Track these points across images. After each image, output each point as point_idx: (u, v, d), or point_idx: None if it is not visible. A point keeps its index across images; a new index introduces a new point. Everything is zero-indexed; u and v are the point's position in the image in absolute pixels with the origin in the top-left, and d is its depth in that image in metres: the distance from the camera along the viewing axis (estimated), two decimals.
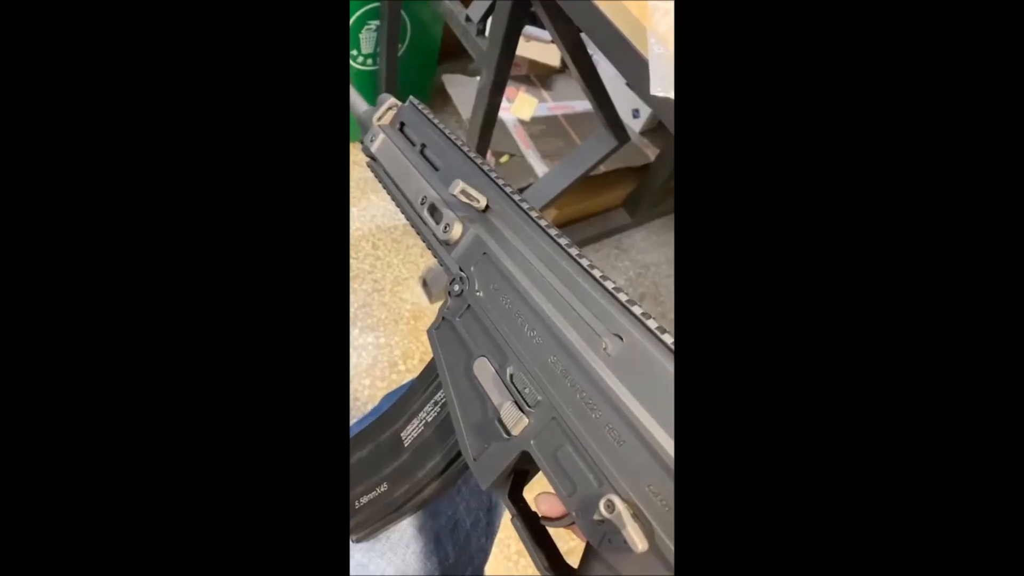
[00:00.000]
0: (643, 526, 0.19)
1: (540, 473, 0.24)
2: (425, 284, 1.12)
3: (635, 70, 0.52)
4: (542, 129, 1.20)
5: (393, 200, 0.35)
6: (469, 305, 0.28)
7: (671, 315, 1.22)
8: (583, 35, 0.73)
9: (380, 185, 0.36)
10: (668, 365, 0.20)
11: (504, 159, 1.18)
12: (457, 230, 0.30)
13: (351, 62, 1.13)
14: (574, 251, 0.25)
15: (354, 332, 1.06)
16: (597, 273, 0.24)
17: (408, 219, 0.34)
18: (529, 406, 0.24)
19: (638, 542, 0.19)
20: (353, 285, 1.12)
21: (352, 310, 1.09)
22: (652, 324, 0.21)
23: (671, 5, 0.47)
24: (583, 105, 1.25)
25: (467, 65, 1.44)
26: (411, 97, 0.36)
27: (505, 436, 0.25)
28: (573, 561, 0.24)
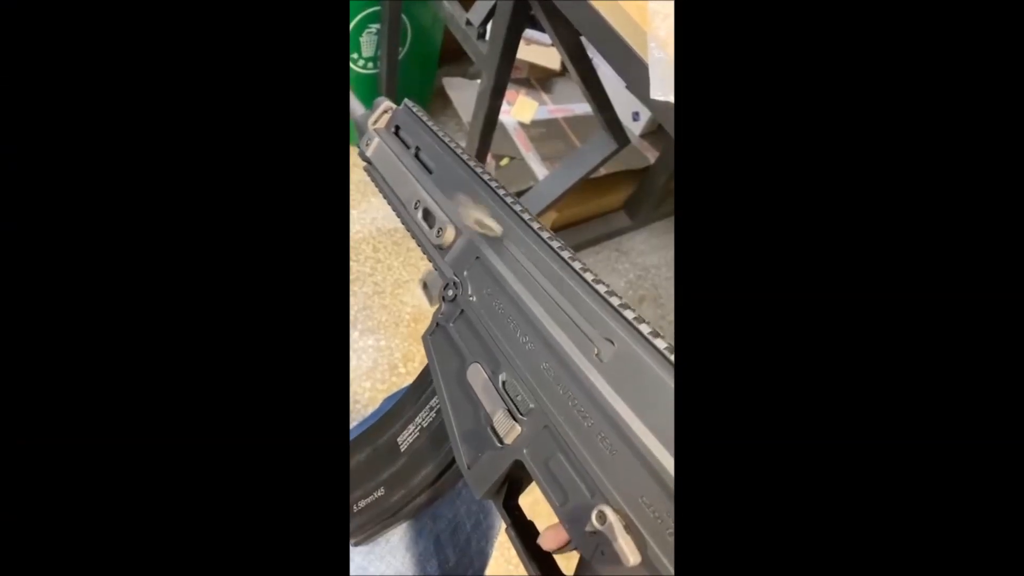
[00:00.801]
0: (635, 538, 0.19)
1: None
2: (425, 287, 1.11)
3: (635, 73, 0.52)
4: (542, 132, 1.20)
5: (389, 204, 0.35)
6: (462, 310, 0.28)
7: (671, 317, 1.22)
8: (583, 39, 0.73)
9: None
10: (661, 371, 0.20)
11: (504, 162, 1.18)
12: (450, 234, 0.29)
13: (352, 65, 1.14)
14: (567, 254, 0.25)
15: (354, 335, 1.06)
16: (590, 277, 0.23)
17: (403, 223, 0.33)
18: (522, 414, 0.24)
19: (630, 555, 0.18)
20: (354, 288, 1.12)
21: (353, 313, 1.09)
22: (645, 329, 0.21)
23: (671, 10, 0.47)
24: (583, 108, 1.25)
25: (467, 68, 1.44)
26: (406, 100, 0.35)
27: (498, 444, 0.24)
28: (568, 570, 0.24)
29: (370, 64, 1.16)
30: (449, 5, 0.85)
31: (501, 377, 0.25)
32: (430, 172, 0.32)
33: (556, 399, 0.23)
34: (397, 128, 0.35)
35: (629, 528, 0.19)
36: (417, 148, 0.33)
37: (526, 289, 0.25)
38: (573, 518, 0.21)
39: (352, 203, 1.22)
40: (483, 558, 0.39)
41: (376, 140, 0.35)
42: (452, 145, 0.31)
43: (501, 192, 0.28)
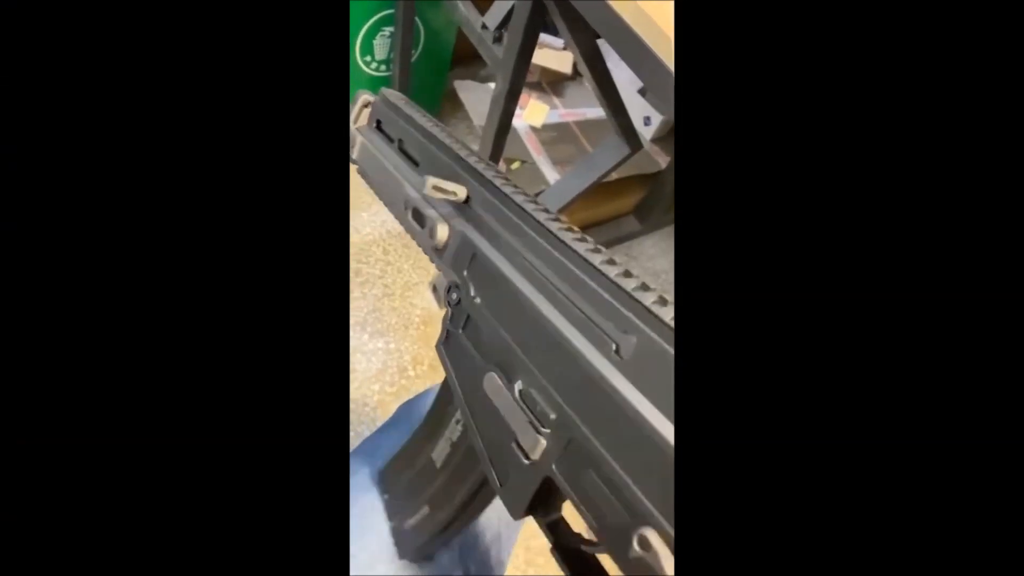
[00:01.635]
0: None
1: None
2: (435, 290, 1.11)
3: (656, 77, 0.52)
4: (553, 136, 1.20)
5: (386, 206, 0.31)
6: (469, 315, 0.25)
7: None
8: (599, 42, 0.73)
9: None
10: None
11: (515, 165, 1.18)
12: (443, 232, 0.26)
13: (364, 68, 1.14)
14: (569, 236, 0.21)
15: (364, 337, 1.06)
16: (598, 259, 0.20)
17: (403, 225, 0.30)
18: (544, 426, 0.21)
19: None
20: (363, 290, 1.12)
21: (362, 315, 1.09)
22: (667, 314, 0.17)
23: None
24: (594, 112, 1.25)
25: (478, 71, 1.44)
26: (382, 89, 0.32)
27: (525, 461, 0.21)
28: None
29: (383, 66, 1.16)
30: (464, 9, 0.85)
31: (517, 386, 0.22)
32: (417, 164, 0.29)
33: (578, 408, 0.20)
34: (379, 123, 0.32)
35: None
36: (400, 140, 0.30)
37: (530, 283, 0.22)
38: (614, 542, 0.19)
39: (363, 205, 1.22)
40: (501, 568, 0.39)
41: (359, 140, 0.32)
42: (434, 130, 0.28)
43: (490, 174, 0.25)
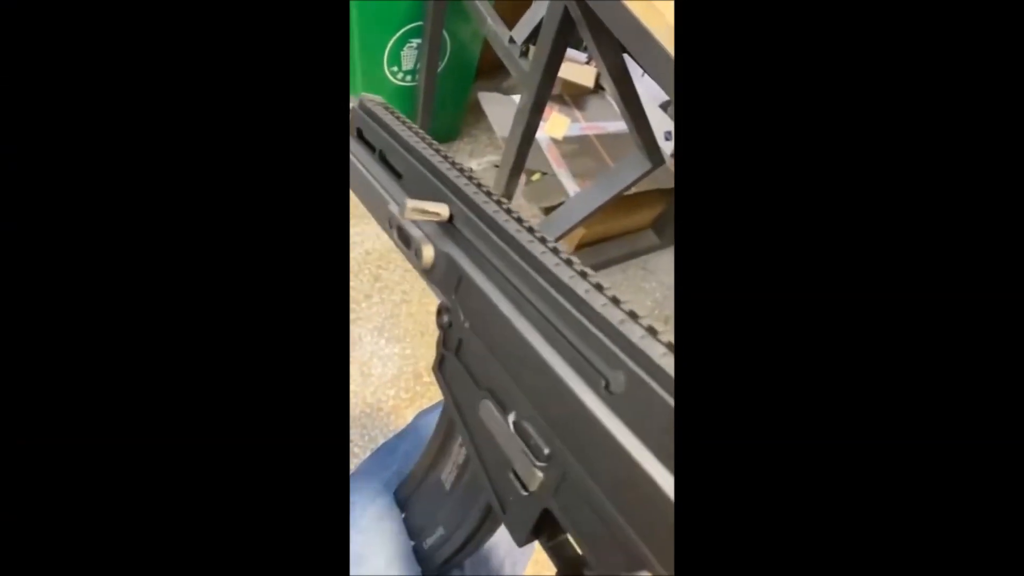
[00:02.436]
0: None
1: None
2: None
3: None
4: (574, 148, 1.21)
5: (375, 220, 0.29)
6: (461, 339, 0.24)
7: None
8: (625, 56, 0.74)
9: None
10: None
11: (536, 177, 1.19)
12: (428, 254, 0.24)
13: (391, 78, 1.16)
14: (552, 260, 0.20)
15: (380, 342, 1.07)
16: (582, 288, 0.18)
17: (392, 241, 0.28)
18: (538, 459, 0.20)
19: None
20: (382, 296, 1.13)
21: (379, 321, 1.10)
22: (656, 350, 0.16)
23: None
24: (615, 126, 1.26)
25: (501, 83, 1.46)
26: (362, 94, 0.30)
27: (523, 492, 0.21)
28: None
29: (408, 77, 1.18)
30: (493, 23, 0.87)
31: (511, 417, 0.21)
32: (400, 176, 0.27)
33: (570, 444, 0.19)
34: (359, 131, 0.30)
35: None
36: (381, 152, 0.29)
37: (517, 311, 0.21)
38: None
39: None
40: None
41: None
42: (412, 140, 0.26)
43: (471, 191, 0.23)
